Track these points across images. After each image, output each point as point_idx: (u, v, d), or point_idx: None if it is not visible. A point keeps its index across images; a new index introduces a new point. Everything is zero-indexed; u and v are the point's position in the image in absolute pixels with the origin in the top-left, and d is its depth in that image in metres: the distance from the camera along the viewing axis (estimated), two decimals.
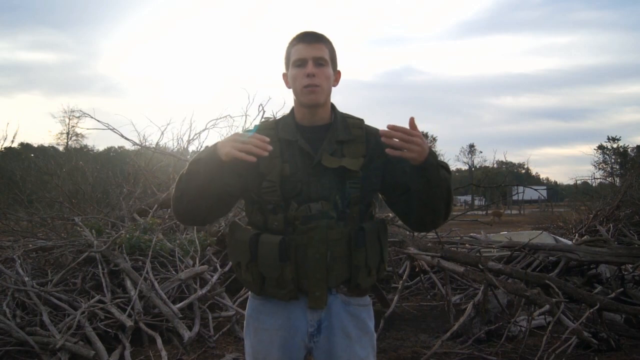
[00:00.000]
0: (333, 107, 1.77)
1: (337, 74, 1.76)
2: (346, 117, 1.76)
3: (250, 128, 1.79)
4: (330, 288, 1.67)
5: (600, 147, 54.04)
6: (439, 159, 1.61)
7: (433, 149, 1.60)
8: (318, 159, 1.65)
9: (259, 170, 1.66)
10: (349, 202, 1.65)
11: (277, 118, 1.83)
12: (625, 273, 5.45)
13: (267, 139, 1.52)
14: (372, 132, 1.75)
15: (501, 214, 25.88)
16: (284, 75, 1.74)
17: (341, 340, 1.69)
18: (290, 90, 1.72)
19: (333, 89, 1.75)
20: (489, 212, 27.17)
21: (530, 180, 59.16)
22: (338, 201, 1.64)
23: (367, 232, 1.64)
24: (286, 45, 1.72)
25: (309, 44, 1.67)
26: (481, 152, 62.36)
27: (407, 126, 1.53)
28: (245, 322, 1.80)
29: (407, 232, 5.90)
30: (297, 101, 1.72)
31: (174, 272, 4.95)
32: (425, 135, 56.61)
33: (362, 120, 1.77)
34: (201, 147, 11.09)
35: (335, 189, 1.65)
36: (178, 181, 1.68)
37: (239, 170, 1.64)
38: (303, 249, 1.62)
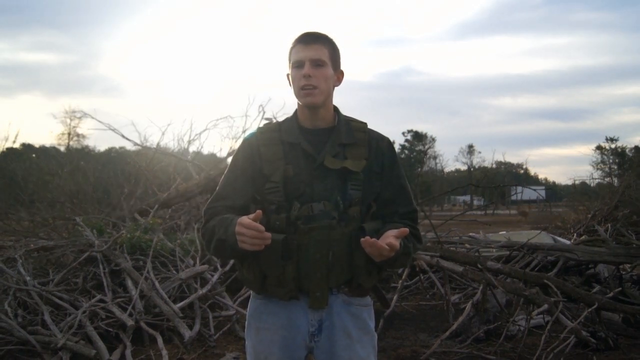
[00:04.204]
0: (337, 109, 1.79)
1: (339, 74, 1.77)
2: (350, 121, 1.78)
3: (253, 130, 1.82)
4: (331, 288, 1.68)
5: (599, 148, 53.99)
6: (405, 248, 1.65)
7: (401, 243, 1.60)
8: (321, 160, 1.67)
9: (263, 172, 1.69)
10: (350, 203, 1.66)
11: (280, 120, 1.84)
12: (623, 273, 5.48)
13: (262, 228, 1.49)
14: (375, 137, 1.77)
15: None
16: (288, 76, 1.76)
17: (342, 340, 1.70)
18: (293, 91, 1.74)
19: (335, 89, 1.76)
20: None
21: (529, 180, 59.02)
22: (340, 202, 1.66)
23: (367, 232, 1.65)
24: (289, 45, 1.74)
25: (306, 45, 1.68)
26: (480, 152, 62.13)
27: None
28: (246, 322, 1.81)
29: None
30: (299, 103, 1.74)
31: (174, 271, 4.97)
32: (424, 136, 56.16)
33: (365, 124, 1.78)
34: (201, 147, 11.12)
35: (337, 190, 1.67)
36: (207, 243, 1.70)
37: (250, 174, 1.70)
38: (304, 248, 1.63)
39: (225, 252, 1.63)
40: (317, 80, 1.66)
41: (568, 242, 7.05)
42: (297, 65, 1.68)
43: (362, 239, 1.53)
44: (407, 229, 1.57)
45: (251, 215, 1.51)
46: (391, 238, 1.53)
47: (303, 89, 1.67)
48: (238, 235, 1.51)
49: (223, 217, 1.65)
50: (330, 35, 1.74)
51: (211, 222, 1.68)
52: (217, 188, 1.77)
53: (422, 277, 5.67)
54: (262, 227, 1.49)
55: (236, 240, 1.53)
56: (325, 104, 1.72)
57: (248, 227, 1.49)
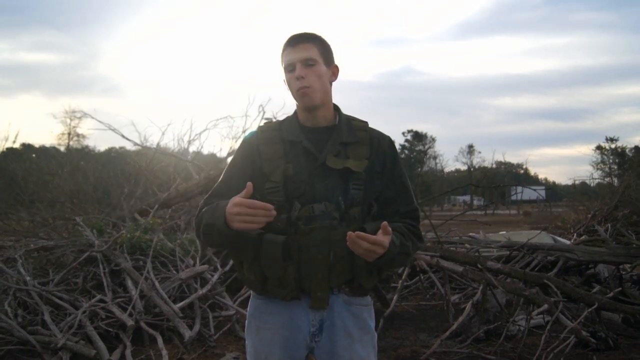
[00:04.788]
0: (337, 108, 1.78)
1: (334, 69, 1.76)
2: (351, 120, 1.78)
3: (253, 130, 1.81)
4: (332, 288, 1.68)
5: (599, 148, 54.02)
6: (404, 247, 1.63)
7: (397, 242, 1.59)
8: (322, 160, 1.67)
9: (263, 171, 1.68)
10: (351, 203, 1.66)
11: (281, 119, 1.84)
12: (623, 273, 5.48)
13: (271, 206, 1.49)
14: (376, 135, 1.77)
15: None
16: (284, 81, 1.75)
17: (343, 340, 1.69)
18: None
19: (333, 86, 1.75)
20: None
21: (529, 180, 59.11)
22: (341, 202, 1.65)
23: (369, 232, 1.62)
24: (280, 51, 1.74)
25: (294, 47, 1.68)
26: (480, 152, 62.19)
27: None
28: (247, 322, 1.81)
29: None
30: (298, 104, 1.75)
31: (174, 271, 4.98)
32: (424, 136, 56.16)
33: (366, 123, 1.78)
34: (201, 147, 11.14)
35: (339, 190, 1.66)
36: (197, 230, 1.69)
37: (250, 173, 1.69)
38: (305, 249, 1.62)
39: (213, 237, 1.60)
40: (310, 80, 1.66)
41: (568, 242, 7.05)
42: (289, 69, 1.69)
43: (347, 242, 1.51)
44: (386, 222, 1.54)
45: (242, 193, 1.48)
46: (379, 235, 1.52)
47: (298, 91, 1.67)
48: (236, 216, 1.48)
49: (212, 205, 1.65)
50: (319, 33, 1.74)
51: (202, 212, 1.69)
52: (215, 185, 1.78)
53: (422, 277, 5.67)
54: (270, 206, 1.48)
55: (224, 222, 1.51)
56: (324, 103, 1.72)
57: (253, 206, 1.46)
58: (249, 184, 1.49)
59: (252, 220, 1.47)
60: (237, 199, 1.49)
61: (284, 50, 1.71)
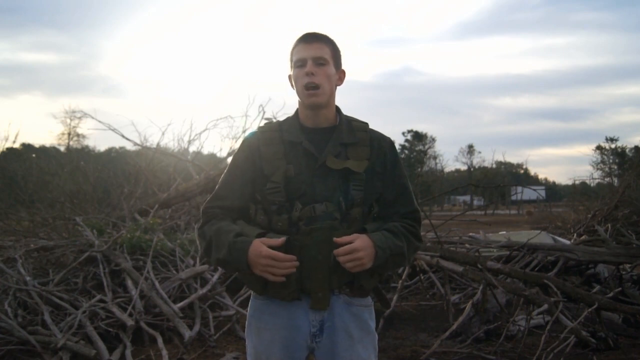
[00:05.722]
0: (338, 109, 1.79)
1: (341, 73, 1.77)
2: (351, 120, 1.78)
3: (254, 130, 1.81)
4: (333, 289, 1.68)
5: (599, 148, 53.99)
6: (396, 249, 1.65)
7: (386, 246, 1.63)
8: (322, 160, 1.67)
9: (264, 172, 1.68)
10: (352, 204, 1.66)
11: (281, 120, 1.84)
12: (623, 273, 5.48)
13: (294, 258, 1.59)
14: (377, 136, 1.77)
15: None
16: (289, 77, 1.76)
17: (343, 341, 1.69)
18: (295, 91, 1.74)
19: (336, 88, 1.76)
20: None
21: (529, 180, 59.16)
22: (341, 202, 1.65)
23: (369, 232, 1.65)
24: (290, 46, 1.74)
25: (308, 44, 1.69)
26: (480, 152, 62.16)
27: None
28: (247, 322, 1.80)
29: None
30: (301, 102, 1.74)
31: (174, 271, 4.98)
32: (425, 136, 56.03)
33: (366, 124, 1.79)
34: (201, 147, 11.15)
35: (339, 190, 1.66)
36: (204, 250, 1.72)
37: (251, 175, 1.71)
38: (306, 249, 1.62)
39: (228, 270, 1.68)
40: (319, 78, 1.67)
41: (568, 242, 7.04)
42: (299, 64, 1.69)
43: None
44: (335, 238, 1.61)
45: (274, 241, 1.58)
46: (346, 247, 1.59)
47: (306, 87, 1.67)
48: (264, 267, 1.56)
49: (220, 227, 1.65)
50: (331, 36, 1.75)
51: (208, 227, 1.68)
52: (216, 187, 1.78)
53: (422, 277, 5.66)
54: (293, 257, 1.58)
55: (246, 265, 1.58)
56: (328, 104, 1.73)
57: (280, 259, 1.56)
58: (283, 239, 1.59)
59: (277, 272, 1.58)
60: (265, 250, 1.56)
61: (295, 46, 1.71)
